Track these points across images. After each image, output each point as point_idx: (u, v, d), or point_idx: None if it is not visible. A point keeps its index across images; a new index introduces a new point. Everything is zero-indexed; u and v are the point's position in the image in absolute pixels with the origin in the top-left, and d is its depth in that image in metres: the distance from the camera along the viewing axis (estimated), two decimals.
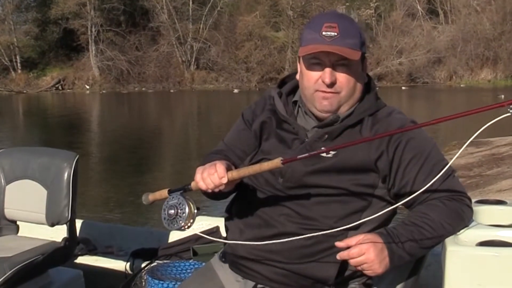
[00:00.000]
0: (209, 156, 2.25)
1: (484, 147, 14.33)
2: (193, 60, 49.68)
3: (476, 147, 14.50)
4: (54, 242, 3.34)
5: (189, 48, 49.95)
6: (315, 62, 2.05)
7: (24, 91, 46.15)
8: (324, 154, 2.03)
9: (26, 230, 3.60)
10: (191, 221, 1.98)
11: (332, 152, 2.03)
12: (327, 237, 1.97)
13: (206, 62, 49.35)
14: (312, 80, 2.07)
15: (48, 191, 3.34)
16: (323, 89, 2.05)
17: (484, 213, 2.35)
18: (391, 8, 52.81)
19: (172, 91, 45.12)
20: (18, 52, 49.50)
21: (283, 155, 2.04)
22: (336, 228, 2.00)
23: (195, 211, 1.98)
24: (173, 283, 2.96)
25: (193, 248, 3.54)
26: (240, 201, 2.18)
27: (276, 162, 1.87)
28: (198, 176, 1.99)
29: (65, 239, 3.30)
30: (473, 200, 2.49)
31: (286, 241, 1.99)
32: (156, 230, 4.70)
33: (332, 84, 2.04)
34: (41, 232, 3.63)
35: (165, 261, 3.45)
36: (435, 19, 52.58)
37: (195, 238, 3.59)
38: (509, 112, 1.65)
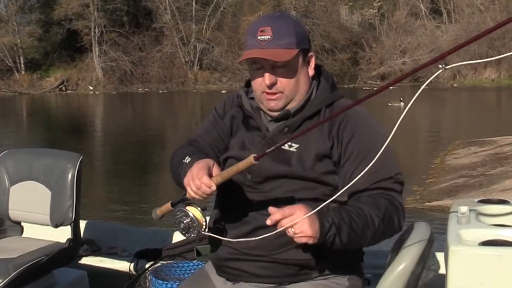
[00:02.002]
0: (183, 149, 2.33)
1: (488, 146, 14.34)
2: (197, 60, 49.68)
3: (480, 146, 14.50)
4: (58, 243, 3.35)
5: (192, 48, 49.97)
6: (256, 66, 2.17)
7: (27, 92, 46.18)
8: (287, 147, 2.13)
9: (30, 231, 3.61)
10: (204, 225, 2.05)
11: (294, 145, 2.14)
12: None
13: (210, 63, 49.36)
14: (257, 83, 2.19)
15: (52, 192, 3.35)
16: (267, 91, 2.16)
17: (487, 213, 2.35)
18: (394, 8, 52.76)
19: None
20: (22, 53, 49.57)
21: (248, 151, 2.18)
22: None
23: (201, 214, 2.06)
24: (177, 283, 2.96)
25: (197, 248, 3.54)
26: (216, 204, 2.28)
27: (249, 160, 1.94)
28: (189, 190, 2.04)
29: (69, 240, 3.31)
30: (476, 200, 2.51)
31: (262, 234, 2.07)
32: (160, 230, 4.71)
33: (272, 85, 2.15)
34: (45, 233, 3.64)
35: (169, 262, 3.46)
36: (438, 18, 52.52)
37: (199, 238, 3.60)
38: (440, 68, 1.72)
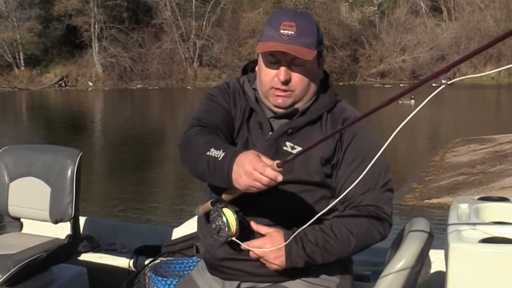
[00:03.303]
0: (200, 136, 2.08)
1: (487, 144, 14.34)
2: (196, 57, 49.70)
3: (480, 144, 14.50)
4: (57, 239, 3.35)
5: (192, 45, 49.99)
6: (272, 59, 2.11)
7: (26, 88, 46.15)
8: (289, 149, 2.12)
9: (29, 227, 3.61)
10: (235, 227, 2.00)
11: (297, 148, 2.11)
12: (299, 224, 2.03)
13: (209, 59, 49.39)
14: (268, 76, 2.12)
15: (52, 188, 3.34)
16: (278, 87, 2.11)
17: (487, 210, 2.35)
18: (395, 5, 52.77)
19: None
20: (22, 49, 49.58)
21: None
22: (306, 215, 2.05)
23: (235, 216, 2.00)
24: (176, 280, 2.96)
25: (196, 245, 3.54)
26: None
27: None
28: (249, 183, 1.83)
29: (68, 236, 3.30)
30: (476, 197, 2.50)
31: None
32: (159, 227, 4.71)
33: (286, 82, 2.10)
34: (44, 229, 3.64)
35: (168, 258, 3.45)
36: (438, 16, 52.53)
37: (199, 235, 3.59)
38: (443, 83, 1.64)
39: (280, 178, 1.79)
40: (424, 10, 51.69)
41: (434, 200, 9.26)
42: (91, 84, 47.99)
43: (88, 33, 49.25)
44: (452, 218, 2.23)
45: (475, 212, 2.27)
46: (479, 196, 2.52)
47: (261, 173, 1.78)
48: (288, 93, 2.12)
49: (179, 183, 12.01)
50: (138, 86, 46.82)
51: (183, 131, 2.17)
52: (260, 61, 2.17)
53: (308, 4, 50.23)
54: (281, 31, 2.07)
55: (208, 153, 1.95)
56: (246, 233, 2.06)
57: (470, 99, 32.76)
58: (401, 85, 42.79)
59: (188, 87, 45.91)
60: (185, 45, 49.91)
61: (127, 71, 48.31)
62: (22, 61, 49.42)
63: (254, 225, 2.06)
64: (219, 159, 1.90)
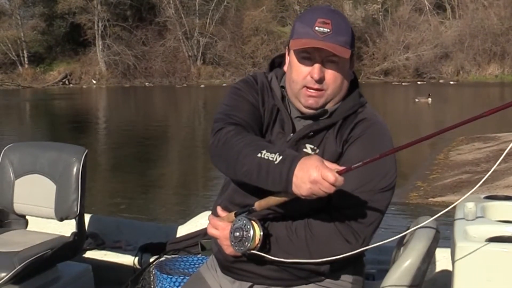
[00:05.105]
0: (240, 137, 1.99)
1: (492, 142, 14.33)
2: (200, 55, 49.72)
3: (484, 142, 14.48)
4: (62, 236, 3.36)
5: (196, 43, 50.00)
6: (305, 56, 2.04)
7: (29, 86, 46.21)
8: (310, 152, 2.05)
9: (35, 224, 3.62)
10: (258, 242, 1.97)
11: (310, 147, 2.06)
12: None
13: (213, 57, 49.40)
14: (301, 75, 2.06)
15: (57, 186, 3.35)
16: (310, 85, 2.04)
17: (493, 209, 2.35)
18: (398, 3, 52.69)
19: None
20: (25, 46, 49.67)
21: None
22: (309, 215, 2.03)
23: (261, 233, 1.97)
24: (181, 277, 2.96)
25: (201, 242, 3.54)
26: (225, 206, 2.15)
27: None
28: (314, 191, 1.78)
29: (73, 234, 3.31)
30: (482, 196, 2.50)
31: (274, 237, 2.03)
32: (164, 224, 4.72)
33: (320, 80, 2.04)
34: (50, 227, 3.65)
35: (173, 256, 3.46)
36: (442, 14, 52.46)
37: (204, 233, 3.60)
38: None
39: (343, 182, 1.76)
40: (427, 8, 51.63)
41: (438, 199, 9.25)
42: (94, 82, 48.03)
43: (92, 31, 49.32)
44: (458, 217, 2.23)
45: (481, 211, 2.27)
46: (485, 195, 2.51)
47: (332, 184, 1.74)
48: (320, 92, 2.05)
49: (184, 180, 12.03)
50: (144, 84, 46.84)
51: (213, 129, 2.08)
52: (292, 59, 2.09)
53: (311, 1, 50.17)
54: (316, 28, 2.01)
55: (259, 155, 1.87)
56: (266, 245, 2.03)
57: (474, 96, 32.69)
58: (418, 82, 42.80)
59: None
60: (188, 43, 49.93)
61: (131, 69, 48.35)
62: (25, 59, 49.51)
63: (220, 211, 2.09)
64: (275, 162, 1.83)
